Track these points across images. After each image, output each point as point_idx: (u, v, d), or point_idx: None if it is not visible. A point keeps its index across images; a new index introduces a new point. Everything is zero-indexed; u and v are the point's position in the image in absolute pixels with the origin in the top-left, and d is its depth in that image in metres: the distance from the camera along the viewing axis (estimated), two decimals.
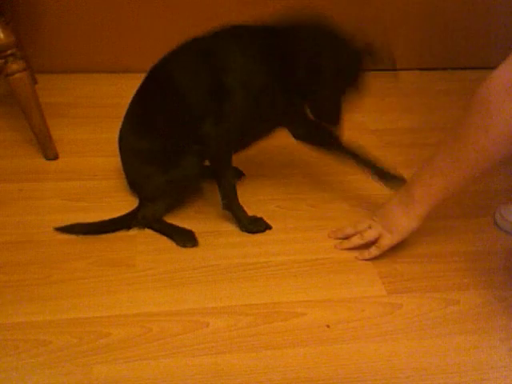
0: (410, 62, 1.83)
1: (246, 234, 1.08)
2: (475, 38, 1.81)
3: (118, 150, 1.11)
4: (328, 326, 0.89)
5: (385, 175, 1.08)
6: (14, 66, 1.15)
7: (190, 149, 1.02)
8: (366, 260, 1.02)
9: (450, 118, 1.57)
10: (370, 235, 1.02)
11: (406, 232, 0.98)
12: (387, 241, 1.00)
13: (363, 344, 0.86)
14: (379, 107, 1.60)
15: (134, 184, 1.13)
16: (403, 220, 0.97)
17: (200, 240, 1.05)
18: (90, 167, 1.25)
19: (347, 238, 1.06)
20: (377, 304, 0.94)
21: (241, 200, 1.15)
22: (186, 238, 1.05)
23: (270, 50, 0.97)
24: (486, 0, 1.74)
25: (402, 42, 1.79)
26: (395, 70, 1.03)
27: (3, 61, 1.14)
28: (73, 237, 1.04)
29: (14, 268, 0.97)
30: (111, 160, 1.28)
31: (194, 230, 1.07)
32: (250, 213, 1.11)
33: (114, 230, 1.06)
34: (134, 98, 1.09)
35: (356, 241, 1.03)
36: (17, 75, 1.16)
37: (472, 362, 0.84)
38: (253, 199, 1.17)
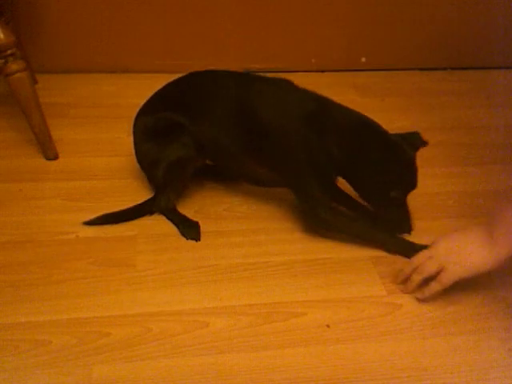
0: (410, 62, 1.83)
1: (246, 233, 1.08)
2: (475, 38, 1.81)
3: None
4: (328, 326, 0.89)
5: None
6: (14, 66, 1.15)
7: (184, 131, 1.06)
8: (425, 298, 0.92)
9: (450, 118, 1.57)
10: (430, 268, 0.90)
11: (477, 271, 0.87)
12: (450, 274, 0.88)
13: (363, 344, 0.86)
14: (379, 107, 1.60)
15: (145, 172, 1.16)
16: (476, 258, 0.86)
17: (200, 240, 1.06)
18: (90, 167, 1.25)
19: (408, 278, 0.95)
20: (377, 304, 0.94)
21: (242, 200, 1.16)
22: (190, 232, 1.07)
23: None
24: (486, 0, 1.74)
25: (402, 42, 1.79)
26: (425, 144, 1.02)
27: (3, 61, 1.14)
28: (73, 237, 1.04)
29: (14, 268, 0.97)
30: (111, 160, 1.28)
31: None
32: (251, 212, 1.11)
33: (138, 217, 1.10)
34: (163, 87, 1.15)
35: (416, 278, 0.92)
36: (17, 75, 1.16)
37: (472, 362, 0.84)
38: (254, 199, 1.17)
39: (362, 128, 0.99)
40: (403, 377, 0.81)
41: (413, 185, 0.99)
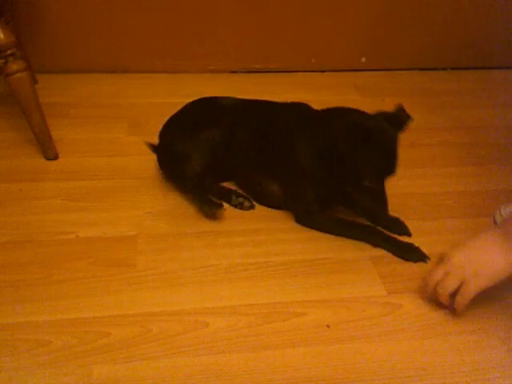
0: (410, 62, 1.84)
1: (246, 233, 1.08)
2: (475, 38, 1.81)
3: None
4: (328, 326, 0.89)
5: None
6: (14, 66, 1.15)
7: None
8: (460, 313, 0.89)
9: (449, 118, 1.57)
10: (451, 285, 0.86)
11: (499, 277, 0.83)
12: (472, 287, 0.84)
13: (363, 344, 0.86)
14: (379, 107, 1.60)
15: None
16: (497, 265, 0.83)
17: (200, 240, 1.06)
18: (90, 167, 1.25)
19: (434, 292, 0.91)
20: (377, 304, 0.94)
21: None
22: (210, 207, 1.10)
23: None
24: (486, 0, 1.74)
25: (402, 42, 1.79)
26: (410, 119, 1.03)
27: (3, 61, 1.14)
28: (73, 237, 1.04)
29: (14, 268, 0.97)
30: (111, 160, 1.28)
31: (193, 229, 1.08)
32: (251, 212, 1.12)
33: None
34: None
35: (442, 293, 0.88)
36: (17, 75, 1.16)
37: (472, 362, 0.84)
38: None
39: (335, 117, 1.01)
40: (403, 377, 0.81)
41: (389, 170, 0.97)
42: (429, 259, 1.02)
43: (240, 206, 1.13)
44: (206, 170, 1.13)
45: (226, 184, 1.20)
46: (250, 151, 1.14)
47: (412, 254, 1.03)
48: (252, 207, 1.13)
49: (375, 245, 1.05)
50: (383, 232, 1.07)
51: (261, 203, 1.15)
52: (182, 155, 1.13)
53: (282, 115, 1.14)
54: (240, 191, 1.17)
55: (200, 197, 1.11)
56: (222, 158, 1.15)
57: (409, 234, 1.07)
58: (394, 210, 1.10)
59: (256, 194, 1.16)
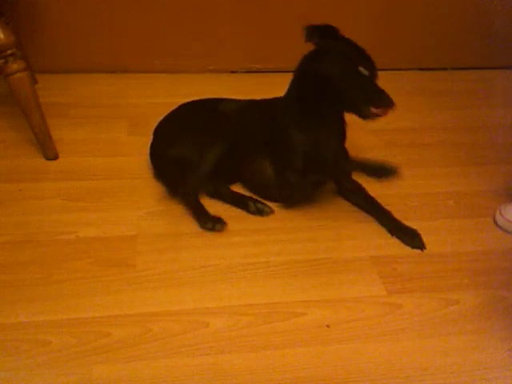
0: (410, 62, 1.84)
1: (246, 233, 1.08)
2: (475, 38, 1.81)
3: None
4: (328, 326, 0.89)
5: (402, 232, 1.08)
6: (14, 66, 1.15)
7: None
8: None
9: (449, 117, 1.57)
10: None
11: None
12: None
13: (363, 344, 0.86)
14: None
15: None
16: None
17: (200, 240, 1.06)
18: (90, 167, 1.25)
19: None
20: (377, 304, 0.94)
21: None
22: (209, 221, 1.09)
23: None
24: (486, 0, 1.74)
25: (402, 42, 1.79)
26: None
27: (3, 61, 1.14)
28: (73, 237, 1.04)
29: (14, 268, 0.97)
30: (111, 160, 1.28)
31: (193, 229, 1.08)
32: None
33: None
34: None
35: None
36: (17, 75, 1.16)
37: (472, 362, 0.84)
38: None
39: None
40: (403, 377, 0.81)
41: (370, 60, 1.10)
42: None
43: (259, 213, 1.12)
44: (209, 178, 1.13)
45: (235, 188, 1.20)
46: (250, 146, 1.14)
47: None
48: (272, 212, 1.12)
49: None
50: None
51: (264, 197, 1.15)
52: (183, 162, 1.11)
53: (275, 106, 1.17)
54: (255, 196, 1.16)
55: (199, 213, 1.10)
56: (225, 164, 1.13)
57: (422, 248, 1.05)
58: (394, 210, 1.11)
59: (257, 185, 1.16)
